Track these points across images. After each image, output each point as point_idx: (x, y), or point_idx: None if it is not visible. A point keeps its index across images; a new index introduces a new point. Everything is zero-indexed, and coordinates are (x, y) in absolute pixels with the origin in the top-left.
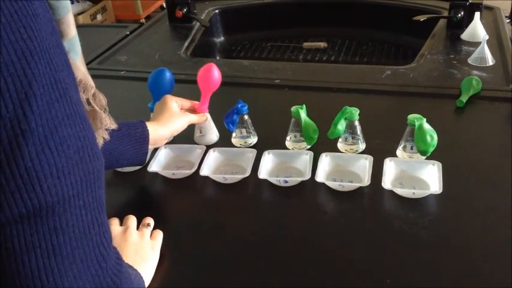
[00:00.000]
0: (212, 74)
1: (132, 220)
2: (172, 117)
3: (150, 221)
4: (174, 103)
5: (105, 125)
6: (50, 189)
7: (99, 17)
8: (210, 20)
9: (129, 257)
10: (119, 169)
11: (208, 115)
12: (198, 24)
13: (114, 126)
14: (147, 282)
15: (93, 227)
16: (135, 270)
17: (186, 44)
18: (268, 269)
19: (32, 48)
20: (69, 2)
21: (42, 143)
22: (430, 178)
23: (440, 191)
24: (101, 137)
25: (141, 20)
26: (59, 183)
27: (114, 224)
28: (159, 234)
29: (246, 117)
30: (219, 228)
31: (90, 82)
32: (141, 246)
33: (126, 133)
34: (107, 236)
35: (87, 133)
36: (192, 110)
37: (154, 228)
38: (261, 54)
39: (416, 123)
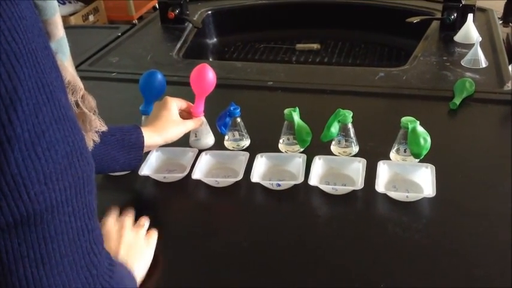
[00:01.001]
0: (206, 76)
1: (128, 218)
2: (169, 125)
3: (145, 221)
4: (174, 107)
5: (94, 127)
6: (37, 196)
7: (91, 17)
8: (203, 21)
9: (124, 252)
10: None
11: (203, 119)
12: (190, 25)
13: (104, 128)
14: (140, 279)
15: (83, 233)
16: (129, 271)
17: (178, 45)
18: (260, 273)
19: (17, 51)
20: (56, 2)
21: (28, 148)
22: (424, 181)
23: (434, 194)
24: (91, 139)
25: (133, 21)
26: (47, 189)
27: (111, 219)
28: (154, 233)
29: (238, 119)
30: (211, 232)
31: (79, 84)
32: (136, 242)
33: (119, 139)
34: (97, 242)
35: (76, 137)
36: (188, 112)
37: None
38: (254, 56)
39: (410, 126)
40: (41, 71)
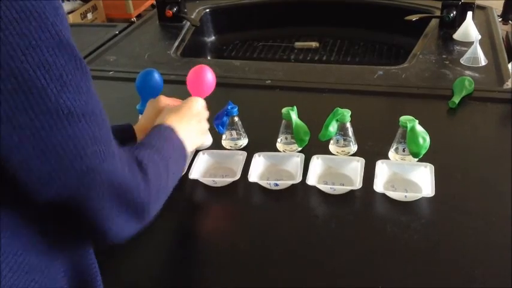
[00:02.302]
0: (204, 78)
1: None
2: None
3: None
4: (166, 107)
5: None
6: (92, 155)
7: (89, 15)
8: (201, 19)
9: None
10: None
11: None
12: (188, 23)
13: None
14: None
15: (128, 164)
16: (181, 142)
17: (176, 43)
18: (258, 273)
19: (58, 42)
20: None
21: (81, 120)
22: (423, 181)
23: (433, 194)
24: None
25: (132, 19)
26: (98, 147)
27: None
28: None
29: (236, 118)
30: (209, 232)
31: None
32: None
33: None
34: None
35: (100, 102)
36: None
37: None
38: (253, 54)
39: (409, 125)
40: (75, 55)
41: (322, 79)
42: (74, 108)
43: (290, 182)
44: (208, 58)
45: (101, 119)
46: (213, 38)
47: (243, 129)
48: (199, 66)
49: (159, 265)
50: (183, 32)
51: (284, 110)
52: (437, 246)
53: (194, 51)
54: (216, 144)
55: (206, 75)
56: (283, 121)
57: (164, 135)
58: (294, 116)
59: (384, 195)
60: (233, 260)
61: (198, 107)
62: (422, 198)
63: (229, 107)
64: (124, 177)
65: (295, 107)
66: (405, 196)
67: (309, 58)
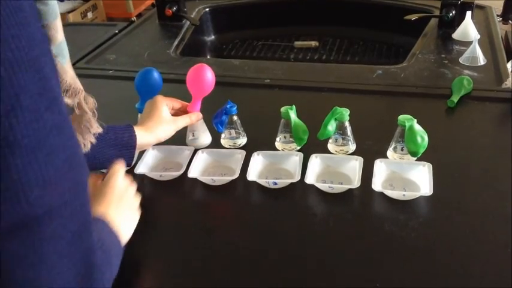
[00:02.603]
0: (204, 77)
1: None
2: (161, 124)
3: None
4: (164, 107)
5: (92, 130)
6: (36, 200)
7: (89, 15)
8: (200, 18)
9: (114, 208)
10: (104, 170)
11: (200, 115)
12: (188, 22)
13: (100, 130)
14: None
15: (80, 235)
16: (116, 236)
17: (175, 42)
18: (256, 272)
19: (19, 59)
20: (57, 7)
21: (29, 154)
22: (421, 179)
23: (431, 192)
24: (89, 141)
25: (132, 18)
26: (46, 194)
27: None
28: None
29: (235, 117)
30: (208, 231)
31: (79, 85)
32: (126, 198)
33: (113, 137)
34: (92, 242)
35: (74, 142)
36: (183, 111)
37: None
38: (252, 53)
39: (407, 124)
40: (43, 77)
41: (322, 78)
42: (22, 137)
43: (289, 181)
44: (208, 57)
45: (65, 165)
46: (212, 37)
47: (241, 128)
48: (199, 65)
49: (156, 264)
50: (183, 31)
51: (283, 109)
52: (435, 245)
53: (194, 50)
54: (215, 143)
55: (206, 74)
56: (282, 120)
57: (99, 228)
58: (292, 115)
59: (382, 194)
60: (231, 259)
61: (120, 184)
62: (421, 197)
63: (228, 106)
64: (83, 244)
65: (294, 106)
66: (403, 195)
67: (308, 57)
